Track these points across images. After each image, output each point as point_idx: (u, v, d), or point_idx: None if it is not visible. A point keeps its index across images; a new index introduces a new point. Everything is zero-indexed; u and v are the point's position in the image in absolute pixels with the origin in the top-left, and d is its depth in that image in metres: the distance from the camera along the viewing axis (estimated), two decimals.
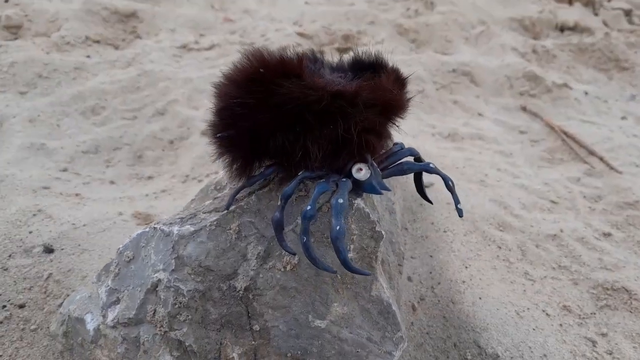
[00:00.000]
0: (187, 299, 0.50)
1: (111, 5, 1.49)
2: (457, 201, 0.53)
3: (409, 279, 0.74)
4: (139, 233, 0.54)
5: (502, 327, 0.66)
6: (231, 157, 0.47)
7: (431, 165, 0.53)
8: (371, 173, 0.48)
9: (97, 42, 1.34)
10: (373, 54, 0.54)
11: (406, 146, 0.57)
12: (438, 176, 0.53)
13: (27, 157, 0.95)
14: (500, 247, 0.80)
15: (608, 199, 0.93)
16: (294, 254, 0.48)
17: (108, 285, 0.53)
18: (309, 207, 0.43)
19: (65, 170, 0.94)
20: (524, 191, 0.94)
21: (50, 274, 0.68)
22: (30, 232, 0.74)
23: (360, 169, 0.48)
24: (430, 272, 0.75)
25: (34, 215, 0.77)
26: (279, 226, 0.45)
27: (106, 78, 1.20)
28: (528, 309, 0.70)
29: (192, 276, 0.50)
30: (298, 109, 0.44)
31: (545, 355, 0.62)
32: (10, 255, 0.70)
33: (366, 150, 0.46)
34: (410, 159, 0.57)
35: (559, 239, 0.83)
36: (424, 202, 0.89)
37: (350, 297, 0.53)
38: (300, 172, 0.46)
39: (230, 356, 0.51)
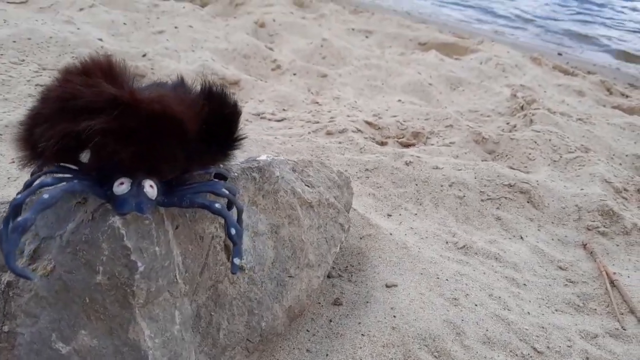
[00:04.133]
0: None
1: (222, 72, 1.68)
2: (235, 254, 0.45)
3: None
4: None
5: None
6: (17, 146, 0.48)
7: (217, 205, 0.46)
8: (131, 190, 0.44)
9: None
10: (207, 84, 0.51)
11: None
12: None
13: None
14: None
15: None
16: None
17: None
18: (19, 195, 0.41)
19: None
20: (502, 326, 0.75)
21: None
22: None
23: (122, 183, 0.44)
24: None
25: None
26: (11, 208, 0.43)
27: None
28: None
29: None
30: (65, 104, 0.44)
31: None
32: None
33: (105, 152, 0.42)
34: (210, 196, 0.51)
35: None
36: (372, 301, 0.77)
37: (105, 331, 0.47)
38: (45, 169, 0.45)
39: None
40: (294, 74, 1.80)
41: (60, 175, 0.44)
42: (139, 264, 0.46)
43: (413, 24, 2.80)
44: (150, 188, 0.45)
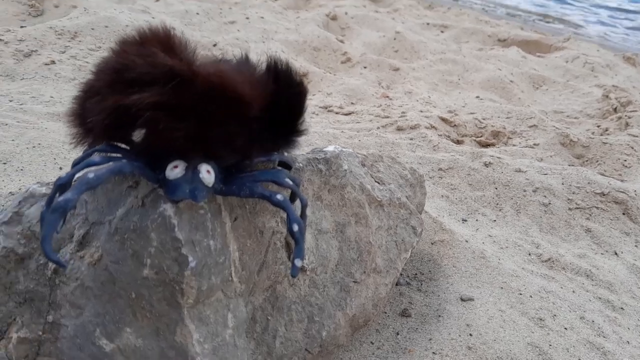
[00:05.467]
0: (0, 255, 0.47)
1: (291, 63, 1.63)
2: (296, 254, 0.39)
3: None
4: None
5: None
6: (69, 122, 0.44)
7: (278, 196, 0.40)
8: (185, 174, 0.39)
9: None
10: (272, 61, 0.46)
11: None
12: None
13: None
14: None
15: None
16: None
17: None
18: (64, 174, 0.37)
19: None
20: (598, 356, 0.64)
21: None
22: None
23: (176, 167, 0.39)
24: None
25: None
26: (55, 187, 0.39)
27: None
28: None
29: (18, 236, 0.47)
30: (117, 75, 0.40)
31: None
32: None
33: (149, 126, 0.37)
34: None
35: None
36: (445, 316, 0.69)
37: (151, 331, 0.43)
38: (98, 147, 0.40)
39: (11, 335, 0.45)
40: (365, 67, 1.73)
41: (110, 154, 0.40)
42: (190, 258, 0.40)
43: (492, 20, 2.65)
44: (206, 173, 0.40)
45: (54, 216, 0.34)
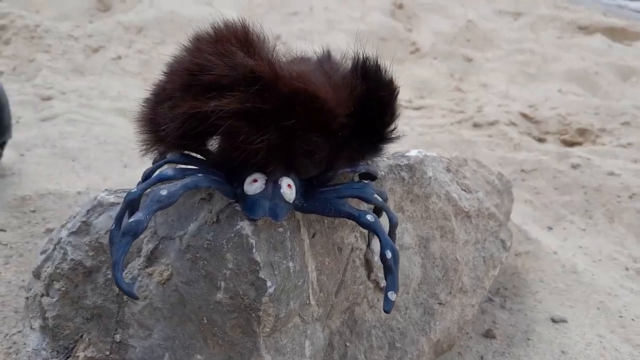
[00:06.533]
0: (68, 267, 0.44)
1: (381, 59, 1.58)
2: (390, 287, 0.34)
3: None
4: None
5: None
6: (138, 128, 0.40)
7: (368, 217, 0.35)
8: (265, 189, 0.34)
9: None
10: (360, 59, 0.40)
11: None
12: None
13: None
14: None
15: None
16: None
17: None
18: (135, 189, 0.33)
19: None
20: None
21: None
22: None
23: (255, 181, 0.35)
24: None
25: None
26: (125, 203, 0.35)
27: None
28: None
29: (86, 247, 0.45)
30: (192, 77, 0.36)
31: None
32: None
33: (233, 136, 0.33)
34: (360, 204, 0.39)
35: None
36: (535, 339, 0.62)
37: (222, 359, 0.39)
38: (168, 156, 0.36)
39: (78, 354, 0.43)
40: (435, 58, 1.64)
41: (184, 166, 0.36)
42: (269, 283, 0.36)
43: (571, 5, 2.47)
44: (287, 188, 0.35)
45: (125, 240, 0.30)
